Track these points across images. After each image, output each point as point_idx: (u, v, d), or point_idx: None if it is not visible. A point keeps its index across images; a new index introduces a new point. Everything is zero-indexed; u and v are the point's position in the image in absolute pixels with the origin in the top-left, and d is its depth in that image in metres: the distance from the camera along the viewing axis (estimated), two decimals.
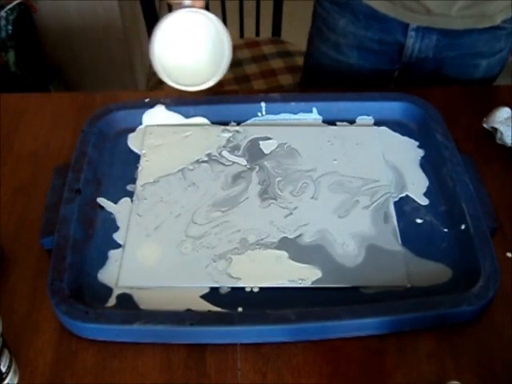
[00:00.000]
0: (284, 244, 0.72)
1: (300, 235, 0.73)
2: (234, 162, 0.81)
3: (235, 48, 1.57)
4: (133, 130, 0.85)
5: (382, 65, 1.01)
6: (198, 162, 0.81)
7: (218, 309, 0.66)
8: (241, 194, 0.77)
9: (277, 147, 0.83)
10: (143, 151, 0.83)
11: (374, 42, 0.97)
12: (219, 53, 0.76)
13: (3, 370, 0.59)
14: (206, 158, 0.81)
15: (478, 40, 0.94)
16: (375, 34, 0.96)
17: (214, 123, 0.86)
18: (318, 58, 1.06)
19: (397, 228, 0.74)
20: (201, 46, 0.77)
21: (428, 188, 0.78)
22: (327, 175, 0.79)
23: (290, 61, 1.42)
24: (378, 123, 0.87)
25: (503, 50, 0.98)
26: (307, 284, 0.68)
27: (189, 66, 0.78)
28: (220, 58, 0.76)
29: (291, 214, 0.75)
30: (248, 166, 0.80)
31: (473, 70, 0.99)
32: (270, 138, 0.84)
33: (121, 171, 0.81)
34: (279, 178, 0.79)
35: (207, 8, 1.50)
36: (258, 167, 0.80)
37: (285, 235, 0.73)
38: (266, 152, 0.82)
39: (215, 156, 0.82)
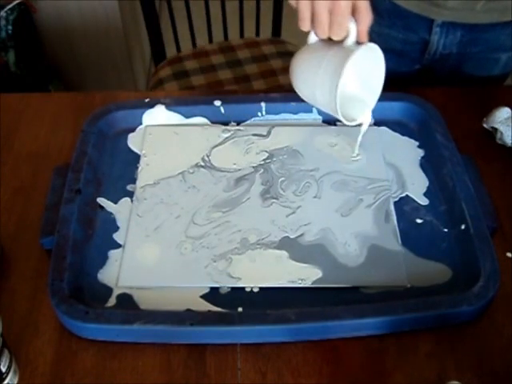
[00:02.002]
0: (285, 244, 0.72)
1: (301, 235, 0.73)
2: (237, 169, 0.80)
3: (235, 48, 1.58)
4: (133, 130, 0.85)
5: (403, 67, 1.01)
6: (197, 165, 0.81)
7: (218, 309, 0.66)
8: (243, 195, 0.77)
9: (278, 148, 0.83)
10: (143, 151, 0.83)
11: (397, 41, 0.97)
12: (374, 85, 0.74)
13: (3, 370, 0.59)
14: (203, 164, 0.81)
15: (501, 34, 0.94)
16: (399, 32, 0.96)
17: (214, 123, 0.86)
18: None
19: (397, 228, 0.74)
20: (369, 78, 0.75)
21: (428, 188, 0.78)
22: (329, 175, 0.79)
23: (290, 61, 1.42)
24: (378, 123, 0.86)
25: None
26: (307, 284, 0.68)
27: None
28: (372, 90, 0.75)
29: (294, 212, 0.75)
30: (253, 169, 0.80)
31: (493, 64, 0.99)
32: (269, 138, 0.84)
33: (121, 171, 0.81)
34: (282, 179, 0.79)
35: (207, 8, 1.50)
36: (262, 169, 0.80)
37: (286, 235, 0.73)
38: (267, 152, 0.82)
39: (211, 165, 0.81)
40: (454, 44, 0.95)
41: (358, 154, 0.81)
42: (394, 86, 0.94)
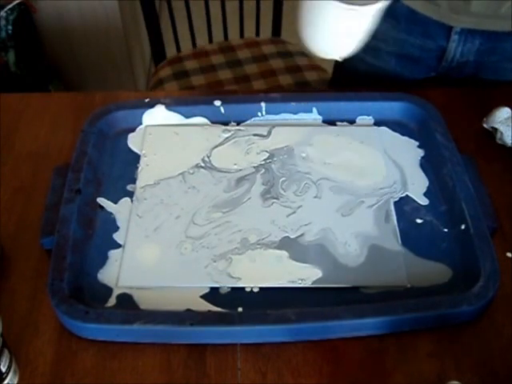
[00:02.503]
0: (285, 244, 0.72)
1: (302, 235, 0.73)
2: (237, 169, 0.80)
3: (235, 48, 1.58)
4: (133, 130, 0.85)
5: (419, 73, 1.00)
6: (197, 166, 0.81)
7: (218, 309, 0.66)
8: (243, 195, 0.77)
9: (278, 147, 0.83)
10: (143, 151, 0.83)
11: (414, 47, 0.96)
12: None
13: (3, 370, 0.59)
14: (203, 164, 0.81)
15: None
16: (417, 38, 0.95)
17: (213, 123, 0.86)
18: (351, 63, 1.02)
19: (397, 228, 0.74)
20: None
21: (428, 188, 0.78)
22: (329, 177, 0.79)
23: (290, 61, 1.42)
24: (378, 123, 0.87)
25: None
26: (307, 284, 0.68)
27: None
28: None
29: (294, 212, 0.75)
30: (254, 169, 0.80)
31: (509, 73, 0.97)
32: (269, 138, 0.84)
33: (121, 171, 0.81)
34: (283, 179, 0.79)
35: (207, 8, 1.50)
36: (263, 169, 0.80)
37: (286, 235, 0.73)
38: (268, 152, 0.82)
39: (212, 166, 0.81)
40: (472, 52, 0.94)
41: None
42: (399, 87, 0.94)
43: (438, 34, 0.93)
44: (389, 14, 0.93)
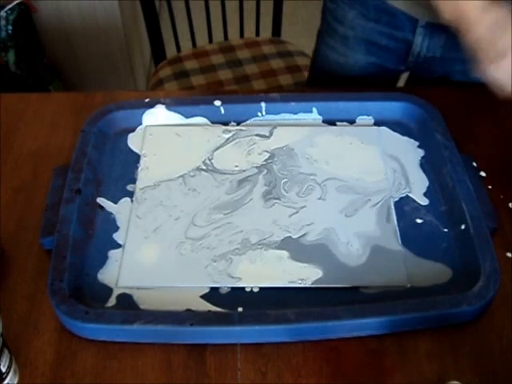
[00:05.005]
0: (286, 243, 0.72)
1: (304, 234, 0.73)
2: (240, 170, 0.80)
3: (235, 48, 1.58)
4: (133, 130, 0.85)
5: (389, 62, 1.00)
6: (198, 169, 0.80)
7: (218, 309, 0.66)
8: (245, 197, 0.77)
9: (278, 147, 0.83)
10: (143, 151, 0.83)
11: (382, 35, 0.96)
12: None
13: (3, 370, 0.59)
14: (204, 167, 0.80)
15: None
16: (384, 27, 0.95)
17: (213, 123, 0.86)
18: (325, 54, 1.05)
19: (397, 228, 0.74)
20: None
21: (428, 188, 0.78)
22: (330, 176, 0.79)
23: (290, 61, 1.42)
24: (378, 123, 0.87)
25: None
26: (307, 284, 0.68)
27: None
28: None
29: (297, 212, 0.75)
30: (256, 170, 0.80)
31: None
32: (270, 138, 0.84)
33: (121, 171, 0.81)
34: (285, 180, 0.79)
35: (207, 8, 1.50)
36: (265, 170, 0.80)
37: (289, 234, 0.73)
38: (269, 152, 0.82)
39: (213, 168, 0.81)
40: (438, 47, 0.94)
41: None
42: (383, 81, 0.93)
43: (405, 26, 0.93)
44: (358, 2, 0.94)
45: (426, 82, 1.00)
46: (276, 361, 0.64)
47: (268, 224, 0.74)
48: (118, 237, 0.73)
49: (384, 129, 0.86)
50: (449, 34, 0.92)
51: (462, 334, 0.66)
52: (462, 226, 0.72)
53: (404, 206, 0.76)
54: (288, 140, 0.84)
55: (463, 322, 0.66)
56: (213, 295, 0.68)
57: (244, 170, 0.80)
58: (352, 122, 0.87)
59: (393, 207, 0.76)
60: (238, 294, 0.68)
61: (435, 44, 0.94)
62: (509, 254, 0.73)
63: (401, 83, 1.12)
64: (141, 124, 0.86)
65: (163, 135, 0.85)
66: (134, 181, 0.79)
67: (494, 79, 0.68)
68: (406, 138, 0.85)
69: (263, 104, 0.86)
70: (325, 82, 1.08)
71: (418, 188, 0.78)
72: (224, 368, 0.63)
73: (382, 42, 0.97)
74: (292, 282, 0.69)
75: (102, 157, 0.82)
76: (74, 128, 0.86)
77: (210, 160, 0.81)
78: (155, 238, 0.73)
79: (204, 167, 0.81)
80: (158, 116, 0.86)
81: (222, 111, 0.86)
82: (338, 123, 0.87)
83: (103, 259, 0.71)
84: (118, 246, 0.72)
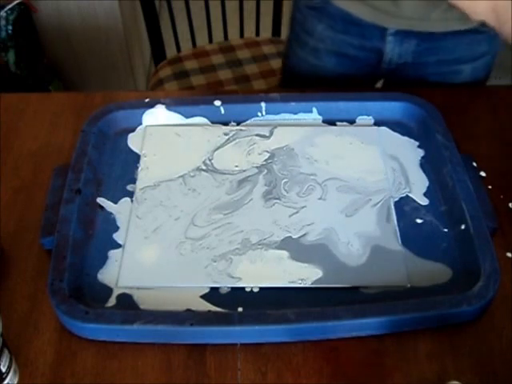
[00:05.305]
0: (286, 243, 0.72)
1: (304, 235, 0.73)
2: (240, 170, 0.80)
3: (235, 48, 1.58)
4: (133, 130, 0.85)
5: (361, 71, 0.99)
6: (198, 169, 0.80)
7: (218, 309, 0.66)
8: (245, 197, 0.77)
9: (278, 147, 0.83)
10: (143, 151, 0.83)
11: (352, 47, 0.95)
12: None
13: (3, 370, 0.59)
14: (204, 167, 0.80)
15: (458, 44, 0.92)
16: (354, 38, 0.94)
17: (213, 123, 0.86)
18: (296, 64, 1.04)
19: (397, 228, 0.74)
20: None
21: (428, 188, 0.78)
22: (331, 176, 0.79)
23: None
24: (378, 123, 0.87)
25: (486, 54, 0.95)
26: (307, 284, 0.68)
27: None
28: None
29: (297, 212, 0.75)
30: (256, 170, 0.80)
31: (455, 76, 0.96)
32: (270, 138, 0.84)
33: (121, 171, 0.81)
34: (285, 180, 0.79)
35: (207, 8, 1.49)
36: (266, 170, 0.80)
37: (289, 234, 0.73)
38: (269, 152, 0.82)
39: (214, 168, 0.80)
40: (409, 53, 0.93)
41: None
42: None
43: (374, 35, 0.92)
44: (325, 15, 0.93)
45: (402, 86, 1.00)
46: (276, 361, 0.64)
47: (268, 224, 0.74)
48: (117, 237, 0.73)
49: (384, 129, 0.86)
50: (419, 40, 0.91)
51: (462, 334, 0.66)
52: (462, 226, 0.72)
53: (404, 205, 0.76)
54: (288, 140, 0.84)
55: (463, 321, 0.66)
56: (213, 295, 0.68)
57: (244, 170, 0.80)
58: (352, 122, 0.87)
59: (393, 207, 0.76)
60: (238, 294, 0.68)
61: (406, 50, 0.93)
62: (509, 254, 0.73)
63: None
64: (141, 124, 0.86)
65: (163, 135, 0.85)
66: (134, 181, 0.79)
67: None
68: (405, 138, 0.85)
69: (263, 104, 0.86)
70: (298, 85, 1.06)
71: (417, 188, 0.78)
72: (224, 368, 0.63)
73: (353, 53, 0.96)
74: (292, 282, 0.69)
75: (102, 157, 0.82)
76: (74, 128, 0.86)
77: (210, 160, 0.81)
78: (155, 238, 0.73)
79: (204, 167, 0.81)
80: (158, 116, 0.86)
81: (222, 111, 0.86)
82: (337, 123, 0.87)
83: (103, 259, 0.71)
84: (118, 245, 0.72)
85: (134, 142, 0.84)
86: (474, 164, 0.81)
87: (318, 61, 0.99)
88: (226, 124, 0.86)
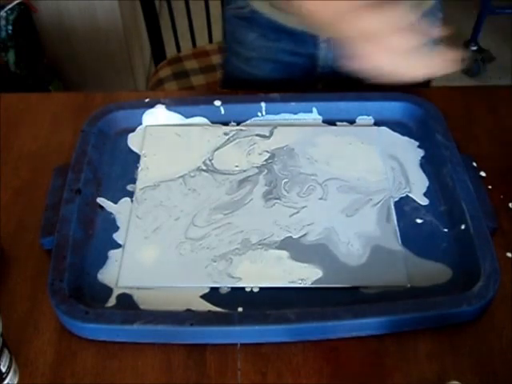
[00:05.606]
0: (286, 243, 0.72)
1: (304, 235, 0.73)
2: (241, 170, 0.80)
3: None
4: (133, 130, 0.85)
5: (298, 76, 0.97)
6: (198, 169, 0.80)
7: (218, 309, 0.66)
8: (245, 197, 0.77)
9: (278, 147, 0.83)
10: (143, 151, 0.83)
11: (286, 53, 0.94)
12: None
13: (3, 370, 0.59)
14: (204, 168, 0.80)
15: None
16: (287, 45, 0.93)
17: (213, 123, 0.86)
18: (231, 71, 1.04)
19: (397, 228, 0.74)
20: None
21: (428, 188, 0.78)
22: (331, 177, 0.79)
23: None
24: (378, 123, 0.87)
25: None
26: (307, 284, 0.68)
27: None
28: None
29: (298, 212, 0.75)
30: (257, 170, 0.80)
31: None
32: (270, 138, 0.84)
33: (121, 171, 0.81)
34: (285, 180, 0.79)
35: (207, 8, 1.49)
36: (266, 170, 0.80)
37: (289, 234, 0.73)
38: (269, 152, 0.82)
39: (214, 169, 0.80)
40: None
41: None
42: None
43: (306, 42, 0.91)
44: (255, 24, 0.91)
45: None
46: (276, 361, 0.64)
47: (268, 224, 0.74)
48: (117, 237, 0.73)
49: (384, 129, 0.86)
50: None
51: (462, 334, 0.66)
52: (462, 226, 0.72)
53: (404, 205, 0.76)
54: (288, 140, 0.84)
55: (463, 321, 0.66)
56: (213, 295, 0.68)
57: (244, 170, 0.80)
58: (352, 122, 0.87)
59: (393, 207, 0.76)
60: (238, 294, 0.68)
61: (339, 54, 0.92)
62: (509, 254, 0.73)
63: None
64: (141, 124, 0.86)
65: (163, 135, 0.85)
66: (133, 181, 0.79)
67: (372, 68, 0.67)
68: (405, 138, 0.85)
69: (263, 104, 0.86)
70: (237, 87, 1.04)
71: (417, 188, 0.78)
72: (224, 368, 0.63)
73: (288, 60, 0.95)
74: (292, 282, 0.69)
75: (102, 157, 0.82)
76: (74, 128, 0.86)
77: (210, 160, 0.81)
78: (155, 238, 0.73)
79: (204, 167, 0.81)
80: (158, 116, 0.86)
81: (222, 111, 0.86)
82: (338, 123, 0.87)
83: (103, 259, 0.71)
84: (118, 245, 0.72)
85: (133, 141, 0.84)
86: (474, 164, 0.81)
87: (252, 69, 0.98)
88: (226, 124, 0.86)
